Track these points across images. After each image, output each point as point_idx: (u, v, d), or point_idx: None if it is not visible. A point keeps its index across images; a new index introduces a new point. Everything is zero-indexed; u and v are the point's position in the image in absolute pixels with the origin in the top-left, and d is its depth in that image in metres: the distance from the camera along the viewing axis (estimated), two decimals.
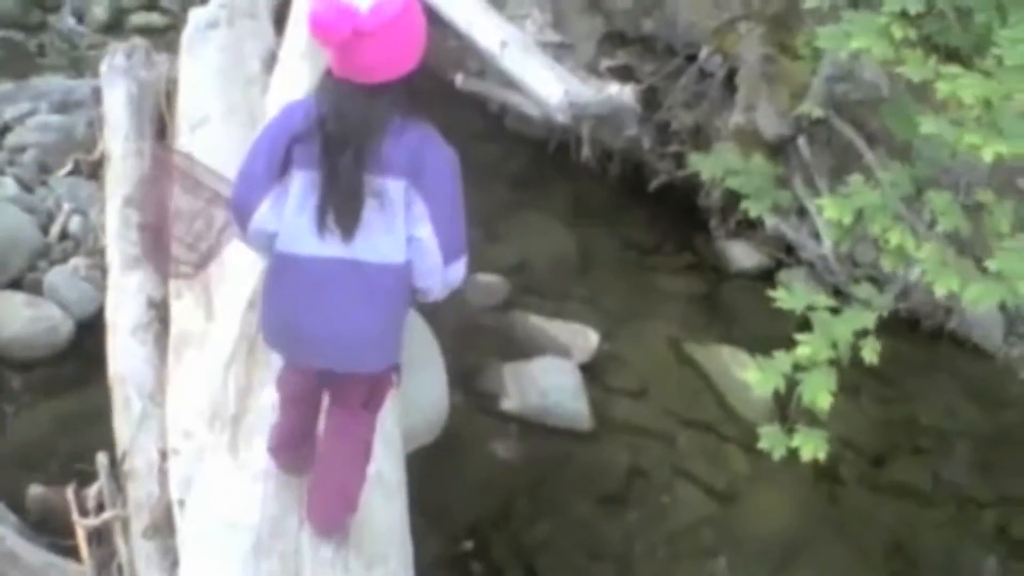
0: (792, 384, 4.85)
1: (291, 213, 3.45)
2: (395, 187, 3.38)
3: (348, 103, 3.34)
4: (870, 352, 4.93)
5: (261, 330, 3.86)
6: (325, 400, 4.00)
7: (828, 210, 5.18)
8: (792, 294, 5.11)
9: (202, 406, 4.63)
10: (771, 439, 4.89)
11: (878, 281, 6.23)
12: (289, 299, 3.57)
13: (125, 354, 5.43)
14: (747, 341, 6.52)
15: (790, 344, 4.90)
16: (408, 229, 3.44)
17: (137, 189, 6.00)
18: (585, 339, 6.63)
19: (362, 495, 4.03)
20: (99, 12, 9.34)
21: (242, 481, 4.17)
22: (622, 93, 7.34)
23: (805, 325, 6.52)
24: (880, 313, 5.03)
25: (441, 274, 3.53)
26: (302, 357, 3.76)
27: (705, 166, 6.87)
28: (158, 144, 6.35)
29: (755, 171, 6.56)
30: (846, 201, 5.16)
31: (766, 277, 7.44)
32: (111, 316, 5.70)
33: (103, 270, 6.12)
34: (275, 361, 4.18)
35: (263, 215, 3.48)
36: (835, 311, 5.00)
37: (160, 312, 5.55)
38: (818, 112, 6.72)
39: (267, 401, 4.25)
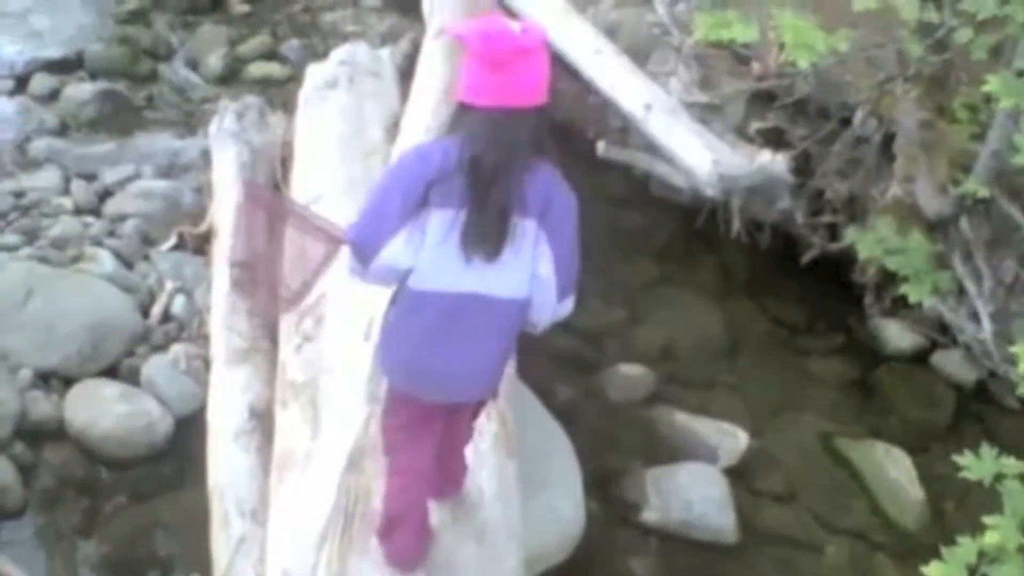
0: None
1: (430, 249, 3.53)
2: (529, 226, 3.52)
3: (501, 131, 3.44)
4: None
5: (382, 368, 3.93)
6: None
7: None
8: (979, 461, 4.50)
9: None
10: None
11: None
12: (419, 335, 3.67)
13: (226, 463, 5.09)
14: (902, 433, 6.44)
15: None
16: (532, 266, 3.58)
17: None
18: (734, 440, 6.21)
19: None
20: (214, 62, 8.80)
21: None
22: (774, 163, 6.87)
23: (960, 404, 6.65)
24: None
25: (553, 309, 3.67)
26: (429, 391, 3.82)
27: (863, 244, 6.73)
28: (248, 181, 6.11)
29: (914, 250, 6.48)
30: None
31: (921, 359, 7.09)
32: (213, 417, 5.36)
33: (207, 361, 5.75)
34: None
35: (394, 252, 3.53)
36: None
37: (264, 422, 5.15)
38: (984, 192, 6.33)
39: None
